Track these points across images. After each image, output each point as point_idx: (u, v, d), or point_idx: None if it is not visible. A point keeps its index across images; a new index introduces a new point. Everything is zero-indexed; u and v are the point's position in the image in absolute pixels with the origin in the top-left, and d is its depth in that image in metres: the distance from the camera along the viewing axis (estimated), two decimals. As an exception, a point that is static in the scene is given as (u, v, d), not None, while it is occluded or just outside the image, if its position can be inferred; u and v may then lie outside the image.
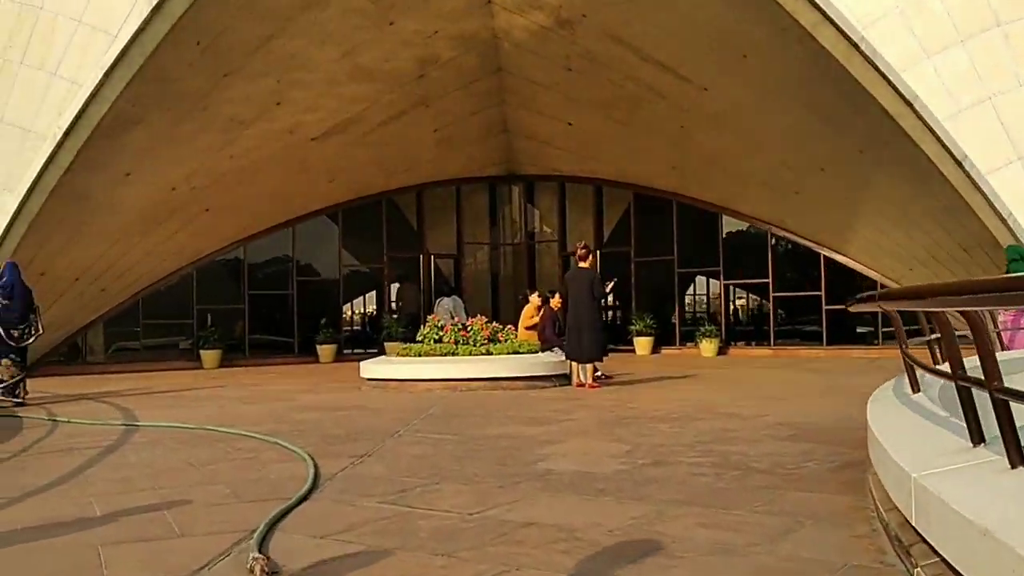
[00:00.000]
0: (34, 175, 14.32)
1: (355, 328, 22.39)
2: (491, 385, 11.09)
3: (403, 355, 11.98)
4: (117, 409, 9.99)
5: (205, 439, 7.27)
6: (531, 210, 23.73)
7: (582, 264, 11.56)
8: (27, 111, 14.56)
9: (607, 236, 22.53)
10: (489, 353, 11.64)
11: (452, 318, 21.23)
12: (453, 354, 11.59)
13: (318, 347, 20.31)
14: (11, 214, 14.63)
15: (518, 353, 11.71)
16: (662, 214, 21.18)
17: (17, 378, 11.08)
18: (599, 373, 11.76)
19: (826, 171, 15.98)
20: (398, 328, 20.65)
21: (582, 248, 11.67)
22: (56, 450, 6.86)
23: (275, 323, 21.85)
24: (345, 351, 20.87)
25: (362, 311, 23.08)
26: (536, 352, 12.02)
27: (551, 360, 11.77)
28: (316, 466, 5.48)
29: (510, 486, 4.86)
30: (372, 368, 11.88)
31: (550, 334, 12.90)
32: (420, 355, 11.70)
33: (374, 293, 22.80)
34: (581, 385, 11.13)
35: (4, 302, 11.06)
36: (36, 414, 9.62)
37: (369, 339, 22.29)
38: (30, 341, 11.28)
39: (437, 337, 12.01)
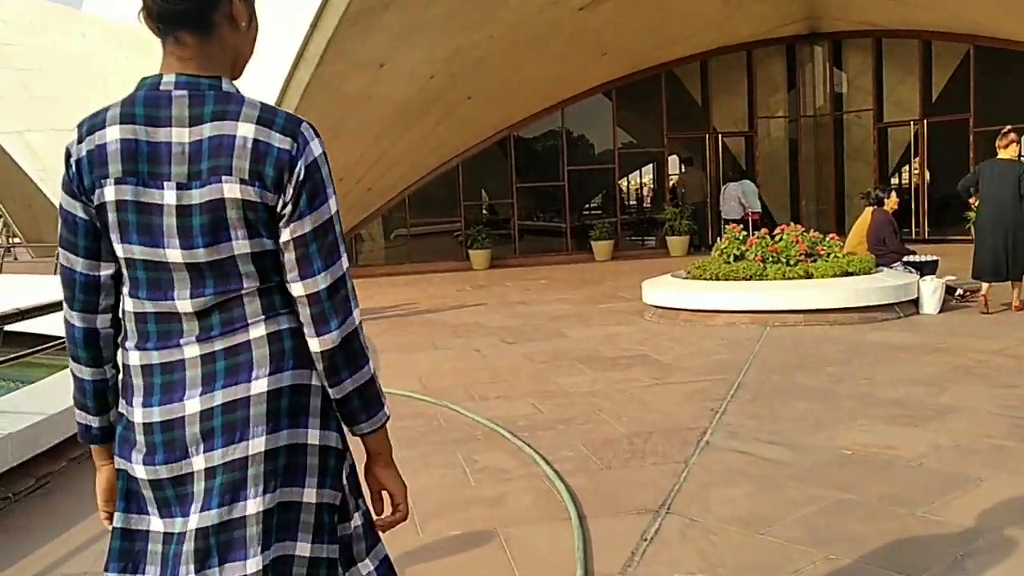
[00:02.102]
0: (286, 71, 13.27)
1: (632, 218, 20.16)
2: (813, 319, 8.51)
3: (694, 275, 9.63)
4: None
5: (426, 433, 5.49)
6: (838, 74, 19.88)
7: (1004, 154, 8.58)
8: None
9: (935, 101, 18.34)
10: (808, 275, 8.99)
11: (743, 208, 18.50)
12: (760, 276, 9.08)
13: (593, 244, 18.40)
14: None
15: (849, 274, 8.96)
16: (1012, 72, 16.73)
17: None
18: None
19: None
20: (682, 221, 18.18)
21: (1009, 134, 8.65)
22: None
23: (546, 216, 20.20)
24: (622, 246, 18.82)
25: (640, 200, 20.78)
26: (873, 271, 9.19)
27: (895, 282, 8.91)
28: (585, 550, 3.44)
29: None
30: (657, 292, 9.67)
31: (895, 243, 9.94)
32: (717, 277, 9.30)
33: (653, 180, 20.35)
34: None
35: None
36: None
37: (647, 230, 20.05)
38: None
39: (738, 252, 9.52)
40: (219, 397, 1.52)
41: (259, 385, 1.53)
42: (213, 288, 1.54)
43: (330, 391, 1.62)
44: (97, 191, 1.53)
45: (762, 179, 19.27)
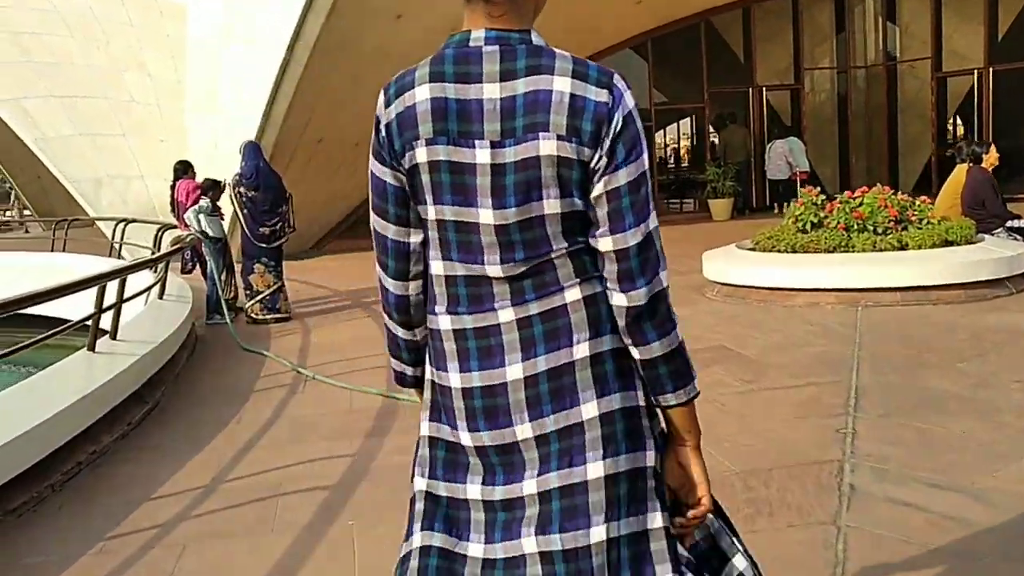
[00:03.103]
0: (294, 23, 12.03)
1: (669, 179, 18.78)
2: (912, 298, 7.22)
3: (764, 246, 8.35)
4: (382, 339, 7.47)
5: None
6: (891, 21, 18.35)
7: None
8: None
9: (1000, 46, 16.80)
10: (902, 245, 7.69)
11: (790, 167, 17.14)
12: (846, 247, 7.78)
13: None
14: (276, 71, 12.51)
15: (949, 243, 7.66)
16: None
17: (274, 287, 8.92)
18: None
19: None
20: (725, 182, 16.81)
21: None
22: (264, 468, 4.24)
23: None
24: (659, 210, 17.52)
25: (678, 160, 19.39)
26: (975, 240, 7.88)
27: (1005, 253, 7.59)
28: None
29: None
30: (722, 266, 8.39)
31: (997, 206, 8.61)
32: (793, 248, 8.01)
33: (692, 138, 18.95)
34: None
35: (249, 193, 8.80)
36: (285, 351, 7.31)
37: (686, 192, 18.70)
38: (283, 240, 9.02)
39: (815, 219, 8.21)
40: (543, 363, 1.50)
41: (581, 350, 1.51)
42: (523, 252, 1.51)
43: (634, 351, 1.54)
44: (408, 154, 1.52)
45: (809, 135, 17.87)
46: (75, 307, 7.12)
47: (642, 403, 1.55)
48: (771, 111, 18.47)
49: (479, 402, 1.53)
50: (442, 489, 1.60)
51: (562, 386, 1.50)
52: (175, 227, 10.50)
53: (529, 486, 1.51)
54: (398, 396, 5.50)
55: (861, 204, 8.17)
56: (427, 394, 1.64)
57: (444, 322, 1.57)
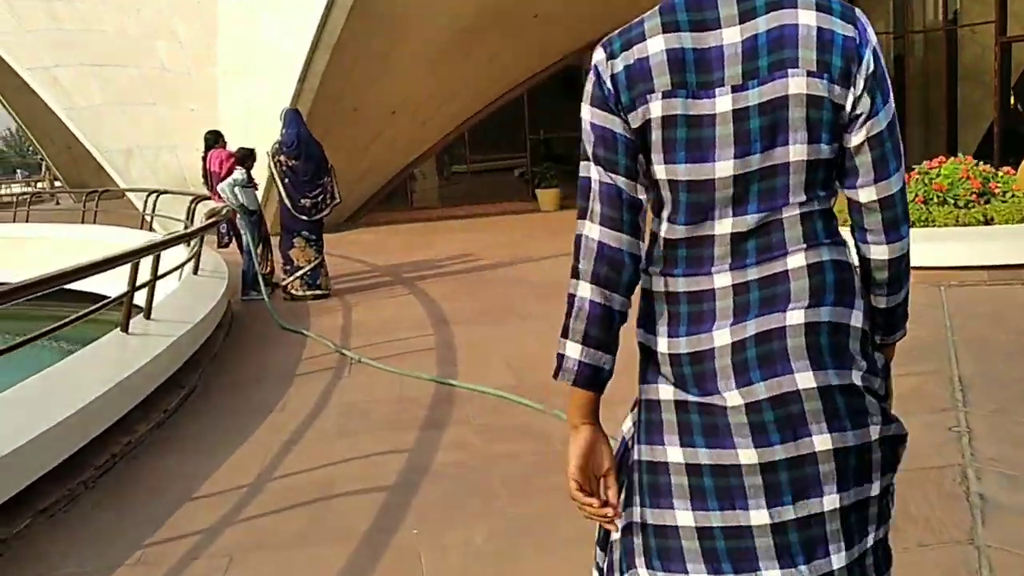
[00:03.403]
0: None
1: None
2: (999, 277, 6.68)
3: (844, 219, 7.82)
4: (427, 319, 7.06)
5: (542, 468, 3.87)
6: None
7: None
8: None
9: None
10: (987, 220, 7.14)
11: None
12: (926, 222, 7.24)
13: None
14: (311, 37, 12.07)
15: (1039, 218, 7.10)
16: None
17: (315, 263, 8.54)
18: None
19: None
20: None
21: None
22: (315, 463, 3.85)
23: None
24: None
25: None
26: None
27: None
28: None
29: None
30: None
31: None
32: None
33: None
34: None
35: (290, 163, 8.40)
36: (325, 330, 6.92)
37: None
38: (325, 213, 8.62)
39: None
40: (751, 327, 1.43)
41: (795, 316, 1.42)
42: (756, 206, 1.43)
43: (882, 301, 1.54)
44: (640, 108, 1.44)
45: (861, 104, 17.13)
46: (111, 281, 6.80)
47: (856, 382, 1.45)
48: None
49: (687, 369, 1.48)
50: (654, 453, 1.53)
51: (771, 352, 1.42)
52: (208, 199, 10.14)
53: (749, 455, 1.43)
54: (452, 382, 5.10)
55: (940, 175, 7.62)
56: (641, 357, 1.59)
57: (658, 283, 1.51)
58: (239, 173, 8.98)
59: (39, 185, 39.74)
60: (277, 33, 13.45)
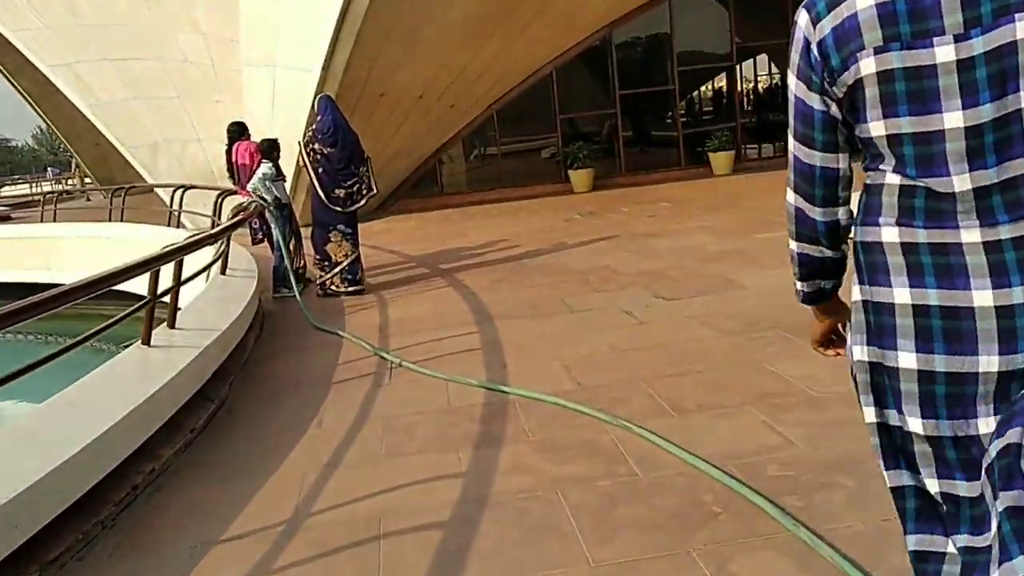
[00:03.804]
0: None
1: (753, 123, 17.46)
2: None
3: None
4: (469, 314, 6.59)
5: (613, 497, 3.42)
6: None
7: None
8: None
9: None
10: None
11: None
12: None
13: (710, 156, 15.92)
14: (335, 21, 11.61)
15: None
16: None
17: (352, 256, 8.11)
18: None
19: None
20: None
21: None
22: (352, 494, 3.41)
23: (654, 127, 17.74)
24: (743, 157, 16.29)
25: (760, 103, 18.06)
26: None
27: None
28: None
29: None
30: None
31: None
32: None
33: (775, 80, 17.61)
34: None
35: (326, 150, 7.95)
36: (361, 329, 6.48)
37: (769, 135, 17.43)
38: (361, 204, 8.18)
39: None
40: (1019, 295, 1.38)
41: None
42: (994, 158, 1.38)
43: None
44: (851, 68, 1.44)
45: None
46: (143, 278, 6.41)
47: None
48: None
49: (935, 322, 1.45)
50: (886, 416, 1.57)
51: None
52: (234, 192, 9.74)
53: (985, 424, 1.44)
54: (504, 389, 4.65)
55: None
56: (855, 316, 1.58)
57: (889, 234, 1.49)
58: (266, 167, 8.56)
59: (70, 182, 39.79)
60: (300, 20, 13.01)
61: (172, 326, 5.20)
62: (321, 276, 8.17)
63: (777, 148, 16.95)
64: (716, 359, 4.80)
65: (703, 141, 16.20)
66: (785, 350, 4.79)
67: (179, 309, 5.48)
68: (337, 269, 8.03)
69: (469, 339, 5.90)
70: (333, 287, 8.06)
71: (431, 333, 6.15)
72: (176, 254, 4.96)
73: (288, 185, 9.00)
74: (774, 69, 17.49)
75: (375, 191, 8.31)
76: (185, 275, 6.16)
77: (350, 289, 8.05)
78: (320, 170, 7.96)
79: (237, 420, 4.75)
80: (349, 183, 8.03)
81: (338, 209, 8.00)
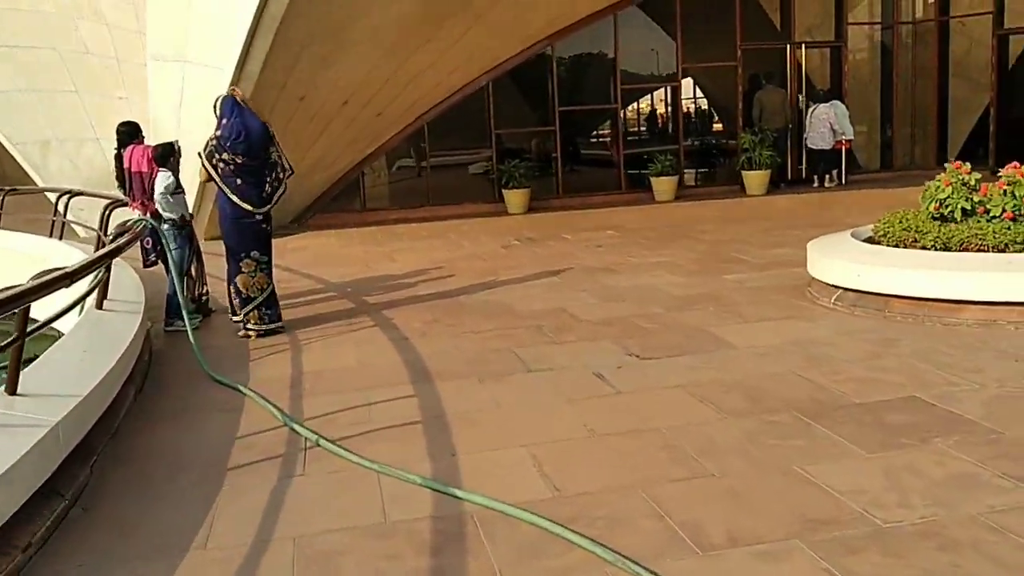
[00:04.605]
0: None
1: (696, 146, 16.64)
2: None
3: (899, 237, 6.38)
4: (403, 368, 5.43)
5: None
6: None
7: None
8: None
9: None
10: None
11: (834, 134, 15.21)
12: (1022, 244, 5.86)
13: (652, 180, 15.07)
14: (253, 13, 10.31)
15: None
16: None
17: (268, 290, 6.82)
18: None
19: None
20: (762, 151, 14.83)
21: None
22: None
23: (594, 147, 16.83)
24: (686, 182, 15.49)
25: (706, 125, 17.32)
26: None
27: None
28: None
29: None
30: (845, 264, 6.39)
31: None
32: (946, 244, 6.06)
33: (725, 100, 16.88)
34: None
35: (237, 160, 6.61)
36: (270, 384, 5.25)
37: (711, 162, 16.69)
38: (281, 191, 6.84)
39: (968, 204, 6.25)
40: None
41: None
42: None
43: None
44: None
45: (850, 99, 15.92)
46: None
47: None
48: (810, 70, 16.42)
49: None
50: None
51: None
52: (125, 204, 8.34)
53: None
54: (457, 493, 3.52)
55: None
56: None
57: None
58: (167, 177, 7.26)
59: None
60: (214, 13, 11.66)
61: (12, 392, 3.90)
62: (236, 317, 6.86)
63: (720, 176, 16.25)
64: (729, 454, 3.77)
65: (645, 164, 15.36)
66: (814, 446, 3.80)
67: (26, 366, 4.17)
68: (252, 306, 6.73)
69: (405, 406, 4.75)
70: (251, 327, 6.76)
71: (357, 395, 4.98)
72: (17, 301, 3.66)
73: (190, 199, 7.68)
74: (721, 91, 16.78)
75: (291, 171, 7.01)
76: (46, 315, 4.86)
77: (272, 327, 6.77)
78: (238, 181, 6.62)
79: (93, 528, 3.50)
80: (272, 177, 6.76)
81: (261, 211, 6.66)
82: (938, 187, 6.39)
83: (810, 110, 15.34)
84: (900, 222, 6.49)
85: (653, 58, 15.89)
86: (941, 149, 16.71)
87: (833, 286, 6.39)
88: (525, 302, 7.28)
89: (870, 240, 6.78)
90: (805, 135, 15.38)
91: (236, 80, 10.90)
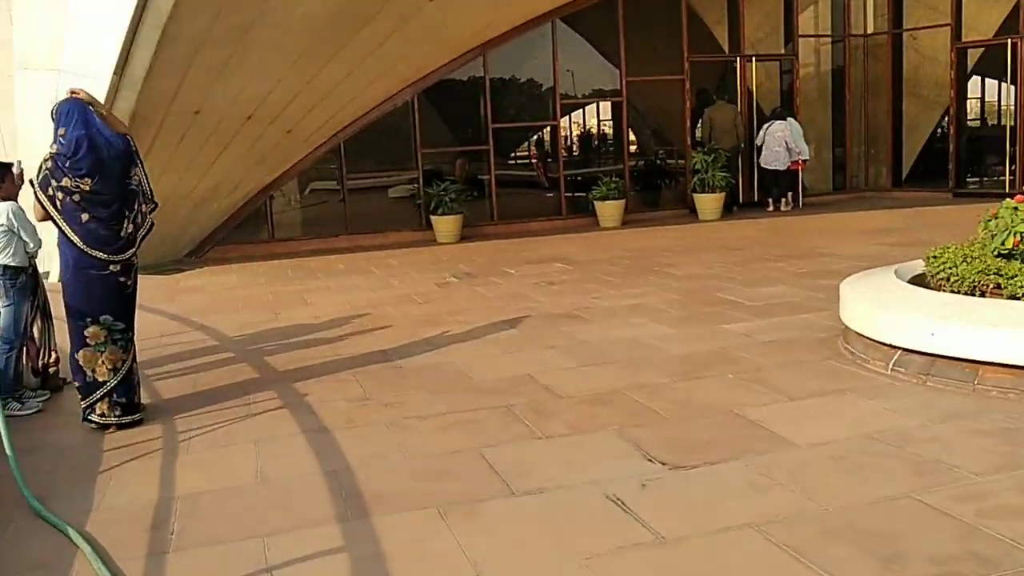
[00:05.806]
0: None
1: (641, 167, 15.21)
2: None
3: (968, 281, 4.94)
4: (324, 489, 3.70)
5: None
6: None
7: None
8: None
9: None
10: None
11: (789, 153, 14.09)
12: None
13: (596, 204, 13.61)
14: (132, 11, 8.46)
15: None
16: None
17: (125, 368, 4.94)
18: None
19: None
20: (715, 172, 13.52)
21: None
22: None
23: (521, 168, 15.31)
24: (631, 206, 14.05)
25: (652, 144, 15.94)
26: None
27: None
28: None
29: None
30: (907, 316, 4.86)
31: None
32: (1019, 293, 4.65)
33: (672, 117, 15.50)
34: None
35: (80, 186, 4.74)
36: (121, 521, 3.45)
37: (656, 183, 15.32)
38: (144, 231, 5.01)
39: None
40: None
41: None
42: None
43: None
44: None
45: (803, 116, 14.82)
46: None
47: None
48: (760, 85, 15.24)
49: None
50: None
51: None
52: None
53: None
54: None
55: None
56: None
57: None
58: (11, 204, 5.41)
59: None
60: (88, 12, 9.72)
61: None
62: (81, 400, 4.97)
63: (667, 199, 14.91)
64: None
65: (588, 187, 13.91)
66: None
67: None
68: (103, 391, 4.85)
69: (331, 569, 3.02)
70: (95, 420, 4.89)
71: (250, 547, 3.22)
72: None
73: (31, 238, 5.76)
74: (662, 110, 15.46)
75: (155, 204, 5.12)
76: None
77: (123, 420, 4.89)
78: (84, 217, 4.76)
79: None
80: (133, 214, 4.91)
81: (115, 265, 4.82)
82: (1012, 217, 4.99)
83: (764, 128, 14.16)
84: (965, 261, 5.06)
85: (595, 68, 14.46)
86: (896, 170, 15.78)
87: (888, 345, 4.90)
88: (481, 366, 5.60)
89: (920, 280, 5.35)
90: (758, 155, 14.19)
91: (115, 87, 9.03)
